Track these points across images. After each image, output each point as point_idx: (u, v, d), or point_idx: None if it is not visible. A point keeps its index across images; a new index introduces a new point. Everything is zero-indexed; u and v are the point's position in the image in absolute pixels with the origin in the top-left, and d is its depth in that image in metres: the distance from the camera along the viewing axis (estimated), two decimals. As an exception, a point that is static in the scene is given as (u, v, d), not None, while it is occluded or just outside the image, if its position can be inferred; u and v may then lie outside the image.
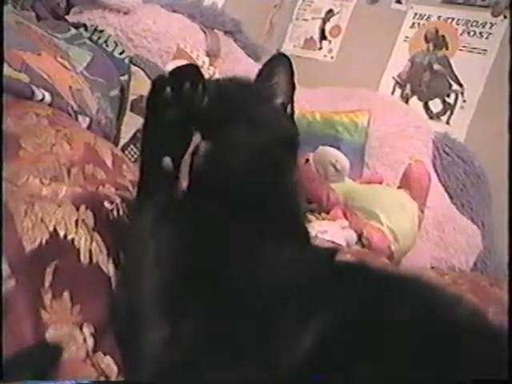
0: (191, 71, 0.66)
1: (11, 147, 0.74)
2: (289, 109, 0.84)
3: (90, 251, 0.61)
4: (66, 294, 0.53)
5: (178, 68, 0.67)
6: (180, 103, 0.63)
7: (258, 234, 0.64)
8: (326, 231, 1.44)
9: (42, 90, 1.13)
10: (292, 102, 0.84)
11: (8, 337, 0.45)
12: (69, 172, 0.79)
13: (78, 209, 0.62)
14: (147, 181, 0.67)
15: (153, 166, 0.65)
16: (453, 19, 2.67)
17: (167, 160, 0.63)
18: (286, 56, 0.83)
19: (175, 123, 0.64)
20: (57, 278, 0.53)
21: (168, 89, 0.63)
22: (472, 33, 2.61)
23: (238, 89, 0.80)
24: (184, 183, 0.65)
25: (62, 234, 0.57)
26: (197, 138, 0.67)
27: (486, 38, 2.56)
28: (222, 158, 0.69)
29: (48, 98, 1.13)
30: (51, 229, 0.56)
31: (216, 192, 0.65)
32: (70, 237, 0.59)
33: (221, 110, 0.71)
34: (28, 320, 0.48)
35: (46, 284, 0.52)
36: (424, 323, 0.54)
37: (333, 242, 1.40)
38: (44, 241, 0.55)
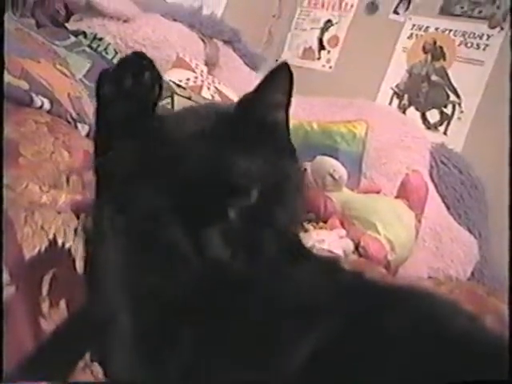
0: (133, 62, 0.63)
1: (11, 154, 0.74)
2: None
3: (85, 260, 0.60)
4: (62, 303, 0.53)
5: (120, 60, 0.64)
6: (123, 98, 0.61)
7: None
8: (324, 240, 1.44)
9: (41, 97, 1.13)
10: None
11: (8, 344, 0.45)
12: (68, 179, 0.79)
13: (77, 217, 0.62)
14: (99, 183, 0.64)
15: (102, 167, 0.62)
16: (450, 30, 2.68)
17: (117, 157, 0.60)
18: (287, 67, 0.69)
19: (121, 120, 0.61)
20: (54, 286, 0.53)
21: (108, 85, 0.62)
22: (469, 44, 2.62)
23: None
24: None
25: (60, 242, 0.57)
26: None
27: (483, 50, 2.58)
28: None
29: (47, 105, 1.13)
30: (51, 237, 0.56)
31: None
32: (67, 245, 0.58)
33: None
34: (28, 327, 0.48)
35: (44, 292, 0.52)
36: (423, 333, 0.54)
37: (330, 252, 1.40)
38: (43, 249, 0.55)
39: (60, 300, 0.53)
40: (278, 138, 0.67)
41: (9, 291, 0.48)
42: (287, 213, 0.65)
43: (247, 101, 0.66)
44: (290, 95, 0.67)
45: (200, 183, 0.58)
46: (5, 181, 0.60)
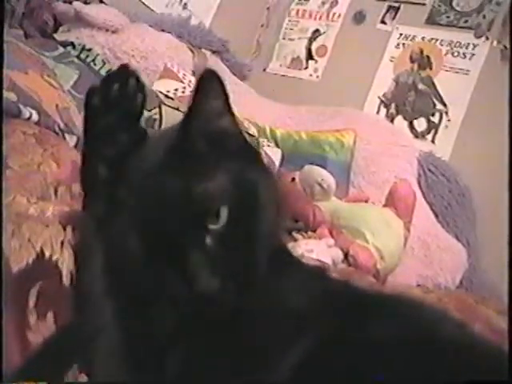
0: (118, 73, 0.63)
1: (-3, 167, 0.74)
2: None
3: (72, 273, 0.60)
4: (50, 315, 0.53)
5: (107, 75, 0.65)
6: (109, 109, 0.62)
7: None
8: (312, 250, 1.45)
9: (30, 109, 1.13)
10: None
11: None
12: (56, 191, 0.79)
13: (64, 229, 0.62)
14: (86, 192, 0.63)
15: (89, 176, 0.62)
16: (437, 40, 2.71)
17: (102, 168, 0.60)
18: (212, 71, 0.64)
19: (108, 130, 0.61)
20: (41, 299, 0.53)
21: (95, 98, 0.62)
22: (456, 53, 2.65)
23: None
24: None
25: (47, 254, 0.57)
26: None
27: (469, 59, 2.61)
28: None
29: (35, 116, 1.13)
30: (38, 249, 0.56)
31: None
32: (54, 258, 0.58)
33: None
34: (15, 340, 0.48)
35: (31, 304, 0.52)
36: (411, 340, 0.55)
37: (319, 261, 1.40)
38: (31, 261, 0.55)
39: (47, 312, 0.53)
40: (232, 146, 0.64)
41: (-4, 305, 0.48)
42: (264, 225, 0.62)
43: (185, 120, 0.62)
44: (226, 98, 0.63)
45: (167, 216, 0.56)
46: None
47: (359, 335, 0.56)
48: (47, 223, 0.60)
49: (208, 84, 0.63)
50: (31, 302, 0.52)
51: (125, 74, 0.63)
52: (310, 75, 3.02)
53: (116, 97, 0.62)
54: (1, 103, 0.91)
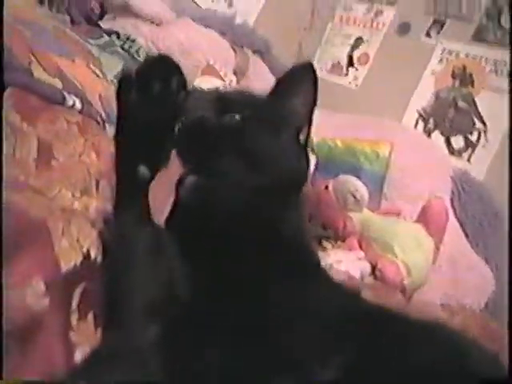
0: (160, 66, 0.60)
1: (44, 156, 0.74)
2: (302, 136, 0.71)
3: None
4: (90, 316, 0.53)
5: (145, 64, 0.61)
6: (149, 106, 0.58)
7: (263, 276, 0.59)
8: (341, 261, 1.44)
9: (74, 97, 1.13)
10: (310, 123, 0.72)
11: (39, 357, 0.45)
12: (97, 184, 0.79)
13: (107, 225, 0.61)
14: (123, 192, 0.61)
15: (128, 176, 0.60)
16: (481, 57, 2.66)
17: (143, 169, 0.58)
18: (311, 66, 0.69)
19: (147, 128, 0.58)
20: (83, 300, 0.52)
21: (133, 91, 0.59)
22: (500, 72, 2.60)
23: (242, 108, 0.65)
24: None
25: (93, 255, 0.56)
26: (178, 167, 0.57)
27: (514, 79, 2.56)
28: (211, 195, 0.59)
29: (78, 104, 1.14)
30: (85, 250, 0.56)
31: (207, 229, 0.57)
32: (99, 259, 0.58)
33: (211, 137, 0.59)
34: (58, 340, 0.47)
35: (74, 305, 0.51)
36: (444, 371, 0.54)
37: (347, 273, 1.39)
38: (78, 262, 0.54)
39: (88, 313, 0.52)
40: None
41: (42, 303, 0.47)
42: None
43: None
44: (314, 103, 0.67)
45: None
46: (37, 184, 0.60)
47: (396, 362, 0.55)
48: (93, 222, 0.59)
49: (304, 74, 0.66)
50: (74, 303, 0.51)
51: (168, 69, 0.60)
52: (350, 82, 3.00)
53: (158, 94, 0.59)
54: (1, 98, 0.90)
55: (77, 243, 0.55)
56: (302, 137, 0.71)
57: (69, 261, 0.53)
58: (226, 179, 0.59)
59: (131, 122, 0.60)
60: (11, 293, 0.44)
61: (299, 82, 0.69)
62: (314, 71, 0.69)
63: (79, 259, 0.55)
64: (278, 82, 0.71)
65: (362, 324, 0.60)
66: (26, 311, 0.45)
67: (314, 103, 0.71)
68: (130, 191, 0.60)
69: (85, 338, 0.50)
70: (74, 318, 0.50)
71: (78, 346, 0.49)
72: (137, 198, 0.58)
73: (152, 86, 0.59)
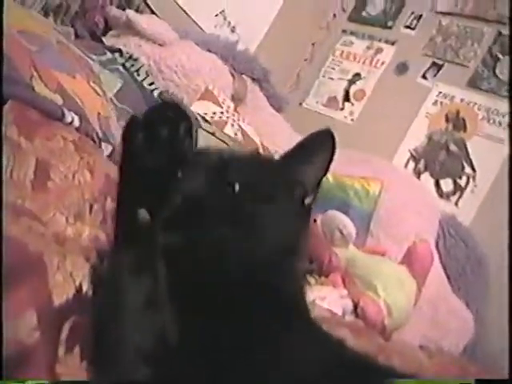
0: (168, 112, 0.60)
1: (40, 176, 0.74)
2: (308, 200, 0.73)
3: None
4: (76, 348, 0.52)
5: (154, 109, 0.62)
6: (155, 151, 0.58)
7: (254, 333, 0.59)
8: (325, 298, 1.44)
9: (73, 114, 1.13)
10: (317, 189, 0.74)
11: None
12: (91, 208, 0.79)
13: (102, 262, 0.61)
14: (122, 234, 0.61)
15: (127, 218, 0.59)
16: (475, 104, 2.71)
17: (143, 212, 0.58)
18: (331, 135, 0.72)
19: (151, 173, 0.58)
20: (72, 333, 0.52)
21: (140, 135, 0.59)
22: (491, 120, 2.65)
23: (244, 175, 0.67)
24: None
25: (85, 289, 0.56)
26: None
27: (504, 129, 2.60)
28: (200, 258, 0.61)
29: (77, 122, 1.14)
30: (77, 284, 0.55)
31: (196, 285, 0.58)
32: (90, 293, 0.57)
33: (207, 213, 0.63)
34: (45, 373, 0.47)
35: (62, 338, 0.51)
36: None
37: (329, 310, 1.39)
38: (71, 296, 0.54)
39: (75, 346, 0.52)
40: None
41: (34, 336, 0.47)
42: None
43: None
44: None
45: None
46: (33, 207, 0.59)
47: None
48: (87, 255, 0.59)
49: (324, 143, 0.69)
50: (63, 335, 0.51)
51: (176, 116, 0.61)
52: (345, 117, 3.03)
53: (164, 140, 0.59)
54: (1, 107, 0.90)
55: (70, 277, 0.55)
56: (307, 201, 0.73)
57: (62, 294, 0.53)
58: (219, 245, 0.62)
59: (135, 165, 0.60)
60: (5, 325, 0.44)
61: (317, 151, 0.72)
62: (333, 140, 0.71)
63: (71, 292, 0.54)
64: (297, 147, 0.74)
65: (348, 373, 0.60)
66: (17, 344, 0.44)
67: (326, 172, 0.73)
68: (128, 233, 0.60)
69: (70, 371, 0.50)
70: (61, 351, 0.50)
71: (63, 378, 0.49)
72: (134, 241, 0.58)
73: (159, 132, 0.59)
